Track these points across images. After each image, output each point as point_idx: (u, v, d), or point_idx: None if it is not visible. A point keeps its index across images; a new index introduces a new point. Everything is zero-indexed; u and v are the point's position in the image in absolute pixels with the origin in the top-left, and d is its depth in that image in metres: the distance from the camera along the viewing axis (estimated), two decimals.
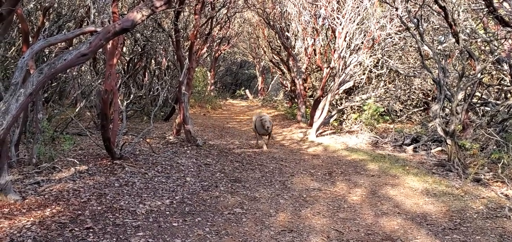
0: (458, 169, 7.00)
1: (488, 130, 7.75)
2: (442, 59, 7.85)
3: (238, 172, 6.63)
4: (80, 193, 4.68)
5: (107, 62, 5.94)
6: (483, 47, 8.79)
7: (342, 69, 10.97)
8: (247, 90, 25.84)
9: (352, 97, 12.23)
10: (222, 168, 6.76)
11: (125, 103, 7.12)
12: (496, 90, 9.50)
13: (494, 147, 7.73)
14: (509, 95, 8.99)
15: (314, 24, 13.22)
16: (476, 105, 9.47)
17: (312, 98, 15.50)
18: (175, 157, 7.03)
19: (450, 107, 7.93)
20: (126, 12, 7.82)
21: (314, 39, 13.27)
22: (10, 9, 4.33)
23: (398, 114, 13.14)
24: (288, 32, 14.24)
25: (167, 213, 4.44)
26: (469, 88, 7.91)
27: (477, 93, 9.37)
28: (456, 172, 6.96)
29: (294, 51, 14.48)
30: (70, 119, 7.54)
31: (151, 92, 11.60)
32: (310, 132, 11.36)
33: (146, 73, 11.87)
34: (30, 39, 5.56)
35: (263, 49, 20.53)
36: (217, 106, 19.17)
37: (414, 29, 8.21)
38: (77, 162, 5.69)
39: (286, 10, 13.91)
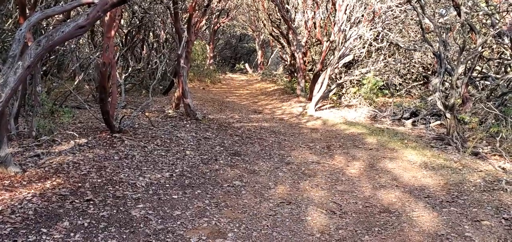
0: (456, 142, 7.02)
1: (487, 104, 7.74)
2: (443, 32, 7.80)
3: (237, 146, 6.65)
4: (80, 166, 4.69)
5: (105, 34, 5.89)
6: (484, 21, 8.72)
7: (342, 42, 10.91)
8: (246, 65, 25.71)
9: (352, 71, 12.18)
10: (221, 141, 6.78)
11: (123, 77, 7.09)
12: (496, 64, 9.46)
13: (493, 121, 7.73)
14: (509, 69, 8.96)
15: None
16: (476, 79, 9.45)
17: (311, 72, 15.44)
18: (175, 130, 7.04)
19: (450, 81, 7.91)
20: None
21: (314, 12, 13.15)
22: None
23: (397, 88, 13.13)
24: (288, 4, 14.10)
25: (167, 185, 4.47)
26: (469, 62, 7.86)
27: (477, 67, 9.34)
28: (454, 145, 6.98)
29: (294, 24, 14.35)
30: (69, 93, 7.51)
31: (150, 66, 11.54)
32: (309, 106, 11.35)
33: (144, 46, 11.78)
34: (27, 11, 5.49)
35: (262, 22, 20.30)
36: (216, 80, 19.11)
37: (415, 2, 8.13)
38: (77, 135, 5.70)
39: None
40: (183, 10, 9.47)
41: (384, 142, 7.29)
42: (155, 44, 11.77)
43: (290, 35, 14.39)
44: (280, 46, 19.45)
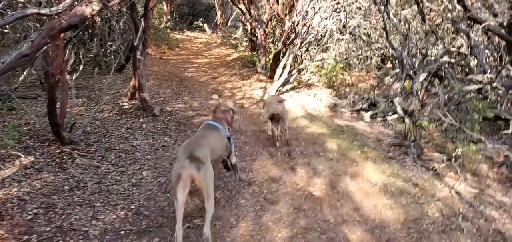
0: (414, 152, 7.12)
1: (444, 110, 7.83)
2: (406, 38, 7.73)
3: None
4: (26, 204, 4.34)
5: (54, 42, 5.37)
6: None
7: (305, 30, 10.71)
8: (205, 25, 24.98)
9: (314, 56, 12.04)
10: None
11: (74, 77, 6.58)
12: (459, 69, 9.58)
13: (450, 126, 7.85)
14: (471, 75, 9.05)
15: None
16: (437, 86, 9.54)
17: (273, 45, 15.14)
18: (130, 135, 6.68)
19: (411, 87, 7.92)
20: None
21: None
22: None
23: (356, 68, 13.24)
24: None
25: (122, 232, 4.21)
26: (431, 68, 7.88)
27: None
28: (412, 156, 7.07)
29: None
30: (13, 89, 6.97)
31: (103, 41, 10.87)
32: (270, 89, 11.18)
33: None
34: None
35: None
36: (174, 45, 18.46)
37: (381, 5, 7.98)
38: (22, 156, 5.24)
39: None
40: None
41: (345, 150, 7.26)
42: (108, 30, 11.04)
43: (252, 10, 13.92)
44: (241, 13, 18.87)
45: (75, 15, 4.21)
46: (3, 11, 6.36)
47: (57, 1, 5.50)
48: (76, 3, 4.42)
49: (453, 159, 6.53)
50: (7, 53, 3.95)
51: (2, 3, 6.29)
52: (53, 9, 4.32)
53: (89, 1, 4.23)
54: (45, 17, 5.27)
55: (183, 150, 4.09)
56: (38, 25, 6.71)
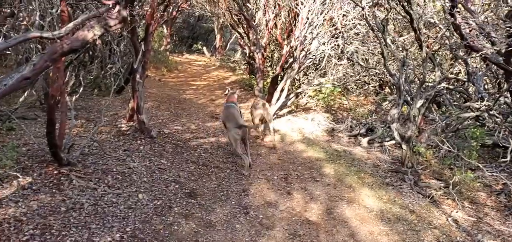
0: (411, 179, 7.13)
1: (442, 137, 7.88)
2: (404, 64, 7.81)
3: (193, 180, 6.41)
4: (23, 225, 4.33)
5: (54, 65, 5.43)
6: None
7: (302, 55, 10.81)
8: (204, 48, 25.17)
9: (311, 80, 12.14)
10: (177, 174, 6.51)
11: (74, 98, 6.62)
12: (457, 94, 9.67)
13: (447, 153, 7.89)
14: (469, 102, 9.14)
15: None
16: (434, 111, 9.61)
17: (271, 68, 15.29)
18: (127, 157, 6.68)
19: (408, 113, 7.98)
20: None
21: (276, 15, 12.87)
22: None
23: (354, 93, 13.36)
24: (249, 3, 13.75)
25: None
26: (428, 95, 7.94)
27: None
28: (409, 183, 7.08)
29: (254, 22, 14.01)
30: (14, 109, 6.99)
31: (103, 67, 10.95)
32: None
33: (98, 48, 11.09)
34: None
35: (223, 12, 19.64)
36: (173, 67, 18.58)
37: (378, 32, 8.08)
38: (20, 176, 5.25)
39: None
40: (140, 16, 8.97)
41: (341, 175, 7.28)
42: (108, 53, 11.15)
43: (250, 35, 14.08)
44: (240, 37, 19.06)
45: (77, 39, 4.26)
46: (7, 34, 6.43)
47: (60, 25, 5.58)
48: (78, 27, 4.49)
49: (451, 186, 6.55)
50: (9, 76, 3.98)
51: (6, 26, 6.37)
52: (55, 32, 4.38)
53: (91, 26, 4.30)
54: (47, 40, 5.32)
55: (233, 123, 7.41)
56: (39, 46, 6.78)
